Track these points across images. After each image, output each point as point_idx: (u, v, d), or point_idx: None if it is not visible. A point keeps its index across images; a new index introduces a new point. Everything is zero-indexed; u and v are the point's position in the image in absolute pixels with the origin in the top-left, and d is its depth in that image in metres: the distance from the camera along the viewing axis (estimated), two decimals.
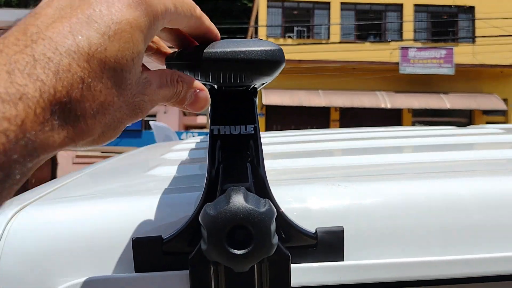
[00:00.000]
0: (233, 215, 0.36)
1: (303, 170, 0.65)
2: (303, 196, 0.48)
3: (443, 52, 14.85)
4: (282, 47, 0.42)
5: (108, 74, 0.28)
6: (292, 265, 0.42)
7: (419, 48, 15.01)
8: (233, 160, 0.43)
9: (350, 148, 0.90)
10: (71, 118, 0.27)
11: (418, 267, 0.44)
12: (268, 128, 15.70)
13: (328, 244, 0.43)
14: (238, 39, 0.39)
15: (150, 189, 0.55)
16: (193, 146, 1.08)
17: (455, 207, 0.47)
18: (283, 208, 0.45)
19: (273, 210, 0.38)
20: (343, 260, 0.44)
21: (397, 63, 14.83)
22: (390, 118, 15.83)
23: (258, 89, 0.47)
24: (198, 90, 0.37)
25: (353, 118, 15.67)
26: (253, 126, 0.44)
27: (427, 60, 14.89)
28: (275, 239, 0.38)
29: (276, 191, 0.45)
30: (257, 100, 0.48)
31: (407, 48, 14.91)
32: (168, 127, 9.47)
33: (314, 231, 0.44)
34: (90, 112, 0.27)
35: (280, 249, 0.41)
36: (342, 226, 0.44)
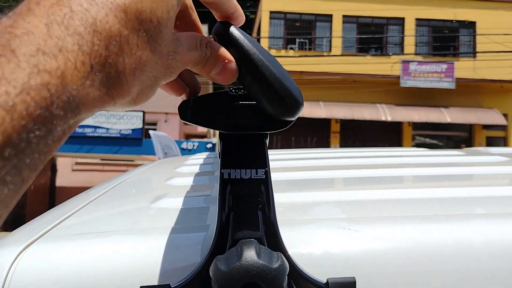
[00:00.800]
0: (245, 272, 0.36)
1: (311, 205, 0.64)
2: (312, 240, 0.48)
3: (444, 66, 14.91)
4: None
5: (144, 27, 0.27)
6: None
7: (420, 62, 15.06)
8: (244, 207, 0.42)
9: (356, 177, 0.89)
10: (111, 74, 0.26)
11: None
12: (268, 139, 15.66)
13: None
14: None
15: (157, 226, 0.54)
16: (197, 169, 1.07)
17: (467, 254, 0.46)
18: (292, 252, 0.44)
19: (286, 265, 0.37)
20: None
21: (398, 77, 14.87)
22: (390, 131, 15.84)
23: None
24: (226, 61, 0.37)
25: (354, 130, 15.68)
26: (264, 170, 0.44)
27: (428, 74, 14.94)
28: None
29: (285, 234, 0.44)
30: (267, 142, 0.47)
31: (408, 61, 14.96)
32: (167, 136, 9.46)
33: (325, 282, 0.43)
34: (129, 67, 0.27)
35: None
36: (354, 278, 0.43)
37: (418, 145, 16.21)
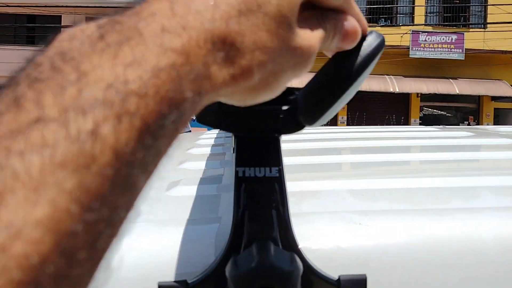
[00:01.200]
0: (261, 274, 0.37)
1: (323, 195, 0.65)
2: (323, 235, 0.49)
3: (454, 37, 14.65)
4: None
5: (268, 8, 0.26)
6: None
7: (430, 33, 14.81)
8: (259, 206, 0.43)
9: (366, 162, 0.90)
10: (232, 52, 0.25)
11: None
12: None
13: None
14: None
15: (172, 218, 0.55)
16: (208, 151, 1.09)
17: (478, 252, 0.47)
18: (303, 247, 0.45)
19: (300, 266, 0.38)
20: None
21: (408, 47, 14.66)
22: (398, 102, 15.73)
23: None
24: (344, 22, 0.33)
25: (361, 101, 15.59)
26: (277, 168, 0.44)
27: (438, 44, 14.71)
28: None
29: (297, 228, 0.45)
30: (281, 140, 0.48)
31: (418, 32, 14.72)
32: None
33: (337, 278, 0.44)
34: (249, 47, 0.26)
35: None
36: (365, 275, 0.44)
37: (425, 116, 16.14)
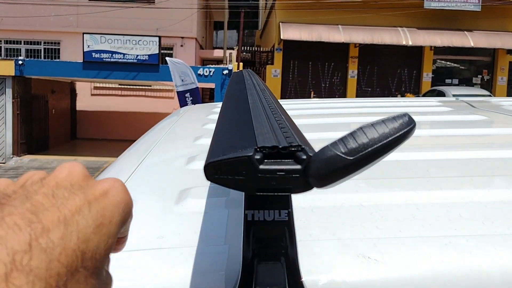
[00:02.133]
0: None
1: (332, 212, 0.68)
2: (331, 269, 0.52)
3: None
4: None
5: (88, 264, 0.30)
6: None
7: None
8: (267, 253, 0.45)
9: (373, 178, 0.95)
10: None
11: None
12: (285, 63, 15.51)
13: None
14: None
15: (182, 240, 0.59)
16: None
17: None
18: (308, 279, 0.49)
19: None
20: None
21: None
22: (411, 56, 15.46)
23: None
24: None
25: (373, 55, 15.34)
26: (287, 211, 0.44)
27: None
28: None
29: (304, 260, 0.49)
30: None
31: None
32: (184, 63, 9.43)
33: None
34: None
35: None
36: None
37: (438, 70, 15.87)
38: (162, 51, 13.26)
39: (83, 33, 13.02)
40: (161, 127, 1.38)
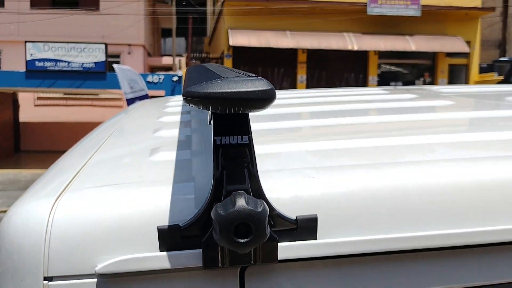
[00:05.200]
0: (238, 215, 0.50)
1: (284, 156, 0.78)
2: (285, 186, 0.61)
3: None
4: None
5: None
6: (278, 244, 0.56)
7: None
8: (233, 166, 0.55)
9: (321, 125, 1.03)
10: None
11: (367, 242, 0.59)
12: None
13: (305, 228, 0.58)
14: (239, 79, 0.50)
15: (160, 179, 0.66)
16: (178, 119, 1.19)
17: (401, 196, 0.61)
18: (270, 196, 0.58)
19: (266, 209, 0.51)
20: (316, 239, 0.58)
21: (365, 4, 14.79)
22: (357, 60, 15.98)
23: None
24: None
25: (321, 60, 15.73)
26: (247, 136, 0.56)
27: (395, 1, 14.91)
28: (268, 230, 0.52)
29: (264, 182, 0.58)
30: (249, 114, 0.59)
31: None
32: (132, 70, 9.30)
33: (295, 218, 0.58)
34: None
35: (271, 234, 0.54)
36: (316, 215, 0.58)
37: (383, 74, 16.49)
38: (109, 59, 13.00)
39: (25, 42, 12.56)
40: (110, 124, 1.36)
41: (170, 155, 0.79)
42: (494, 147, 0.82)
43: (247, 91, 0.49)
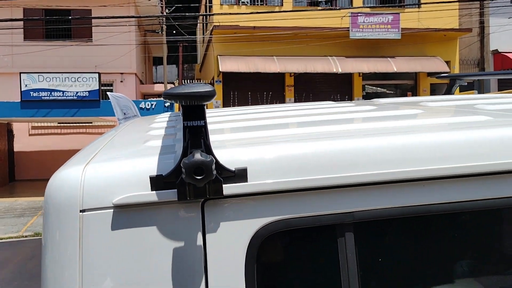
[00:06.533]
0: (195, 162, 0.86)
1: (228, 136, 1.15)
2: (229, 152, 0.99)
3: (390, 17, 15.55)
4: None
5: None
6: (223, 185, 0.93)
7: (367, 14, 15.64)
8: (194, 138, 0.92)
9: (270, 124, 1.41)
10: None
11: (278, 183, 0.96)
12: (225, 94, 16.11)
13: (240, 175, 0.94)
14: (195, 84, 0.88)
15: (151, 152, 1.03)
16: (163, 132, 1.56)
17: (305, 161, 0.99)
18: (218, 157, 0.94)
19: (213, 160, 0.88)
20: (246, 182, 0.95)
21: (348, 29, 15.43)
22: (342, 82, 16.54)
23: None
24: None
25: (307, 83, 16.27)
26: (203, 121, 0.93)
27: (376, 25, 15.57)
28: (214, 173, 0.88)
29: (215, 150, 0.94)
30: (205, 106, 0.97)
31: (356, 14, 15.50)
32: (125, 97, 9.72)
33: (234, 169, 0.95)
34: None
35: (217, 178, 0.91)
36: (246, 167, 0.95)
37: (368, 95, 17.03)
38: (102, 87, 13.40)
39: (20, 73, 12.96)
40: (102, 138, 1.74)
41: (158, 143, 1.16)
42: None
43: (198, 91, 0.87)
